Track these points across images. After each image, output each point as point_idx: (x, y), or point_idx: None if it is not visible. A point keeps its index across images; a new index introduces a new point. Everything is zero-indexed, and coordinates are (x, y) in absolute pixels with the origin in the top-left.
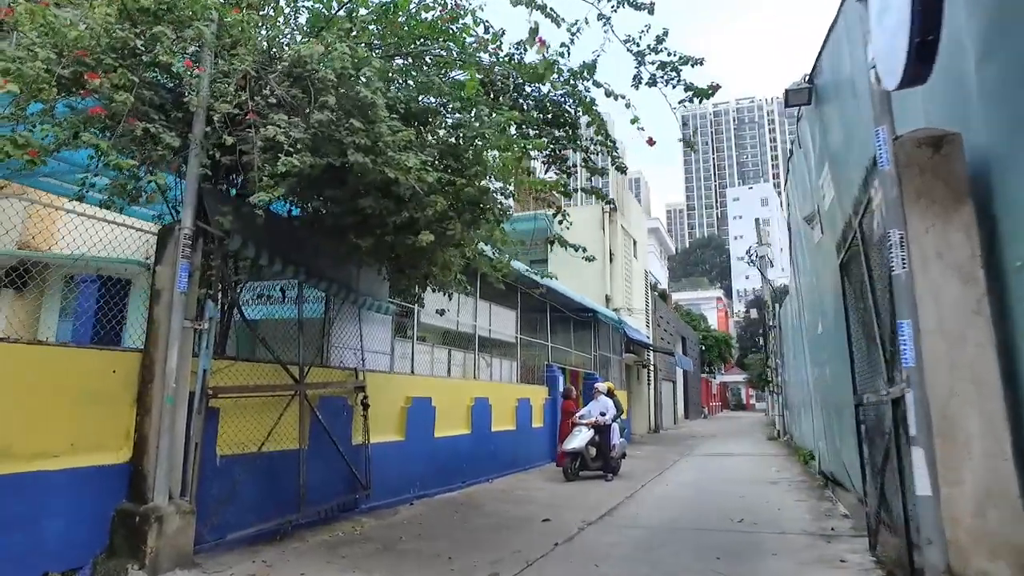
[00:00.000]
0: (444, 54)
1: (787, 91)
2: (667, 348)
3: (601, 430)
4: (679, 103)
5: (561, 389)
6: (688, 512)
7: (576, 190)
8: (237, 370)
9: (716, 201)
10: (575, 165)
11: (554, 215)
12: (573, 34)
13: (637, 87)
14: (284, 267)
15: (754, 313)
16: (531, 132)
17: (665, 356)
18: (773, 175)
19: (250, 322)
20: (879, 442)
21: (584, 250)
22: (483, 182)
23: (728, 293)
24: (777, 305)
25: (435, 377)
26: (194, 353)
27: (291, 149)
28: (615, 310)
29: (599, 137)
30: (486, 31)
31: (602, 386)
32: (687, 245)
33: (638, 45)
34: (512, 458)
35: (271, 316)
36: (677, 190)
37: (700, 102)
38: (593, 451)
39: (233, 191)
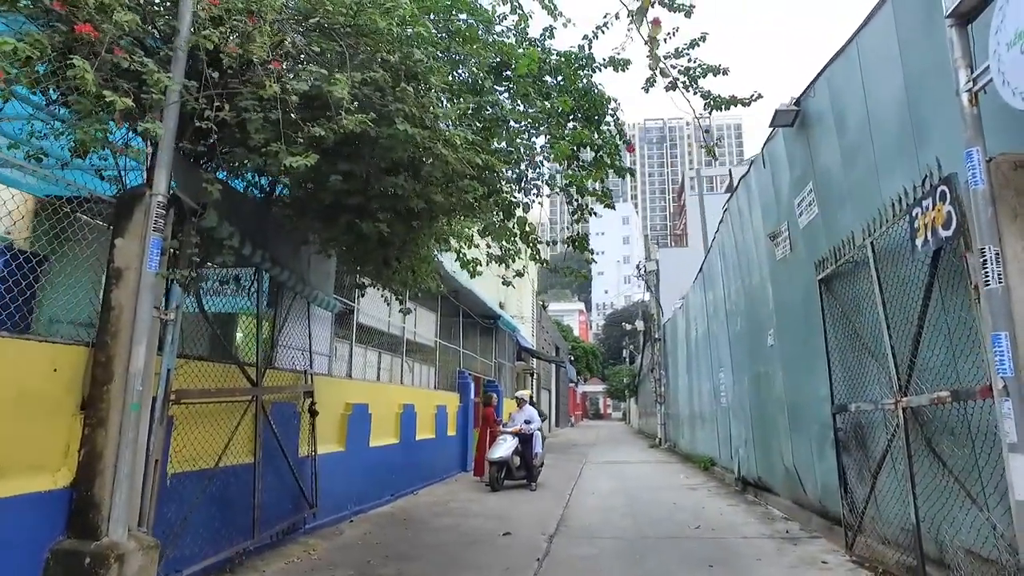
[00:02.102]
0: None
1: (777, 111)
2: (559, 359)
3: (524, 439)
4: (704, 110)
5: (473, 396)
6: (638, 520)
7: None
8: (192, 370)
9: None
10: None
11: (575, 214)
12: (599, 28)
13: (647, 90)
14: (252, 251)
15: (642, 325)
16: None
17: (545, 365)
18: (632, 195)
19: (207, 315)
20: (871, 449)
21: (598, 254)
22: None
23: (588, 306)
24: (660, 319)
25: (370, 382)
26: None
27: (348, 108)
28: (510, 317)
29: (613, 138)
30: (512, 11)
31: (523, 394)
32: (549, 257)
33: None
34: (432, 468)
35: (210, 309)
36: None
37: (726, 109)
38: (517, 460)
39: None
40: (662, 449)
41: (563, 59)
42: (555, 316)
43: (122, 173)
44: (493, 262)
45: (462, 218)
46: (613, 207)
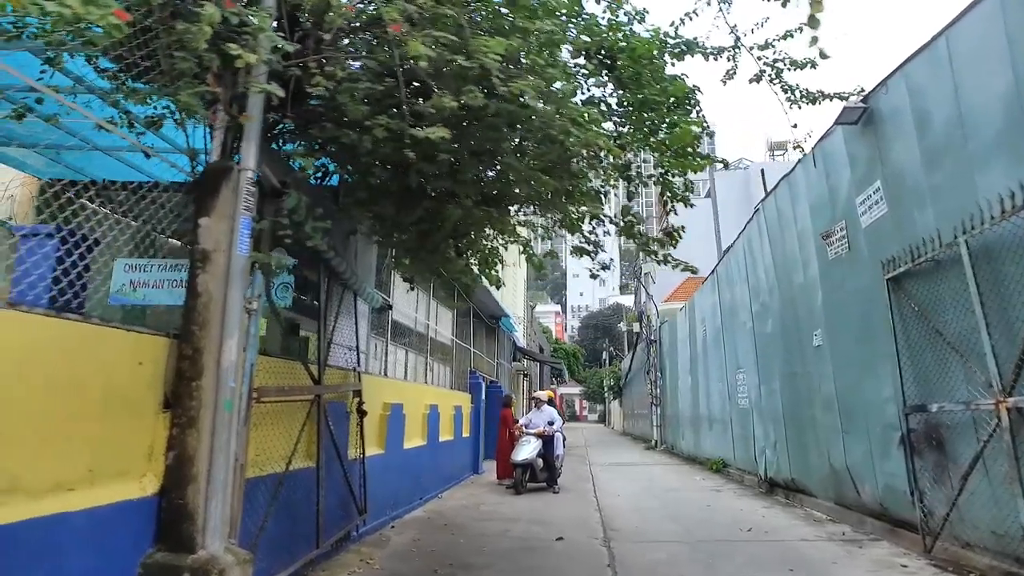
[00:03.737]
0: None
1: (844, 108)
2: (555, 360)
3: (546, 441)
4: (788, 103)
5: (483, 397)
6: (683, 523)
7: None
8: (263, 367)
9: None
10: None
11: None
12: (687, 15)
13: (725, 83)
14: (322, 238)
15: (635, 327)
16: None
17: (531, 366)
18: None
19: (275, 306)
20: (955, 451)
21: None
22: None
23: (563, 308)
24: (653, 322)
25: (402, 381)
26: None
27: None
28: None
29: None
30: None
31: (543, 394)
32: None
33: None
34: (451, 471)
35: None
36: None
37: (816, 104)
38: (541, 462)
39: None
40: (659, 451)
41: (660, 43)
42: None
43: (198, 146)
44: (573, 255)
45: (538, 207)
46: (692, 204)
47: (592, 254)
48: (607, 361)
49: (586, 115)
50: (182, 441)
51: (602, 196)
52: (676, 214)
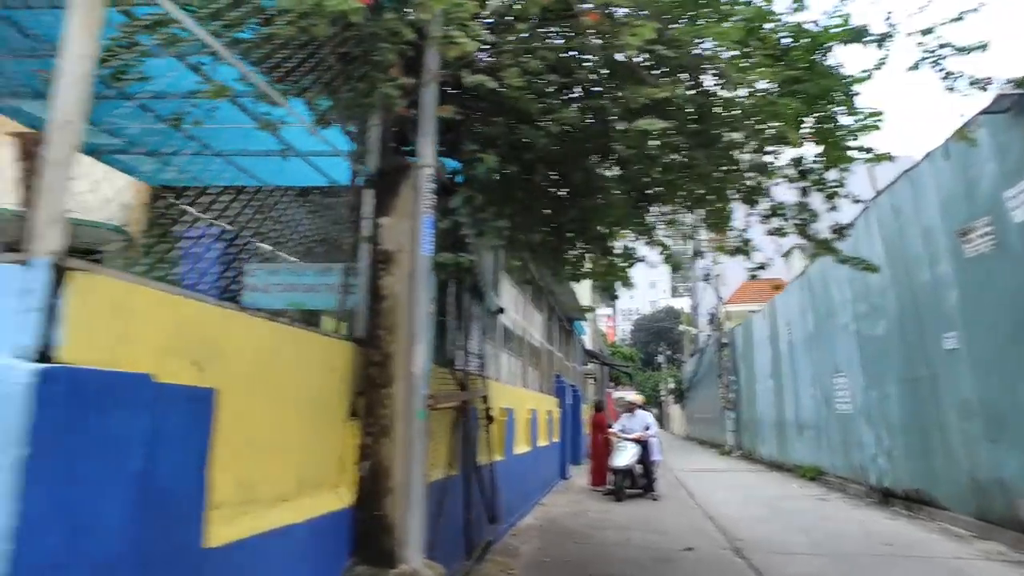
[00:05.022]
0: None
1: (998, 95)
2: (623, 363)
3: (643, 446)
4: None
5: (569, 401)
6: (810, 535)
7: None
8: None
9: None
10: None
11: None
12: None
13: (872, 74)
14: (500, 237)
15: (709, 329)
16: None
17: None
18: None
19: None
20: None
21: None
22: None
23: (614, 311)
24: (724, 324)
25: (510, 386)
26: None
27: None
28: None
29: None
30: None
31: (634, 399)
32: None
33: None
34: (546, 477)
35: None
36: None
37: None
38: (640, 468)
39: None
40: (735, 457)
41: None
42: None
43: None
44: (726, 255)
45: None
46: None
47: (748, 253)
48: (661, 365)
49: (788, 108)
50: (376, 451)
51: (762, 192)
52: (838, 210)
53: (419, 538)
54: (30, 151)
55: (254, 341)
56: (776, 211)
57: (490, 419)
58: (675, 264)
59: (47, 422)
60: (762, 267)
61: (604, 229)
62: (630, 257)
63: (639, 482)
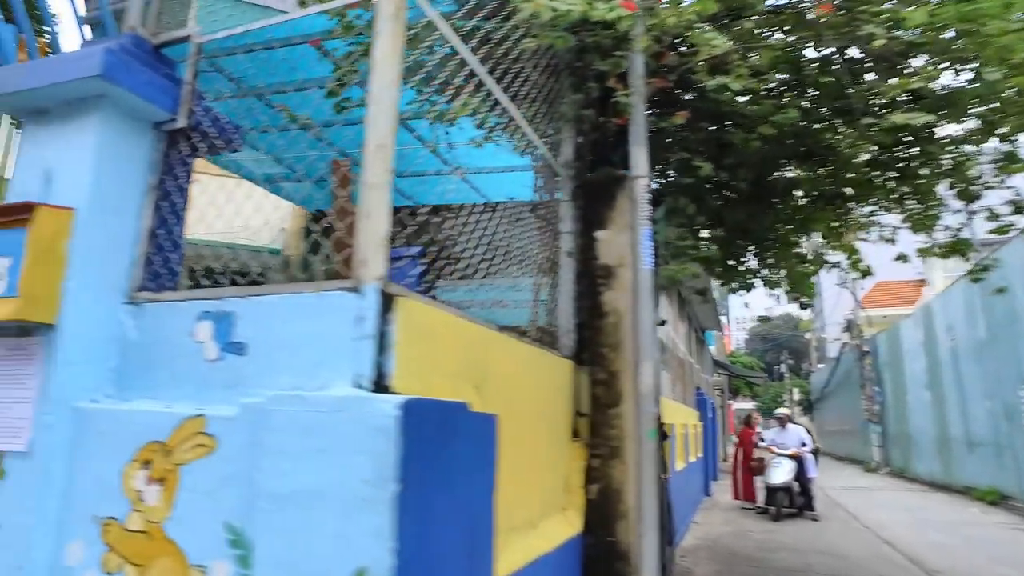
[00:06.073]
0: None
1: None
2: (756, 374)
3: (799, 462)
4: None
5: (710, 415)
6: (1022, 569)
7: None
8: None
9: None
10: None
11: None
12: None
13: None
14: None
15: (845, 337)
16: None
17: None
18: None
19: None
20: None
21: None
22: None
23: (727, 319)
24: (864, 330)
25: (671, 401)
26: None
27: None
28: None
29: None
30: None
31: (784, 412)
32: None
33: None
34: (695, 494)
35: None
36: None
37: None
38: (796, 486)
39: None
40: (882, 474)
41: None
42: None
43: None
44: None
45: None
46: None
47: (965, 253)
48: (784, 375)
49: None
50: (606, 474)
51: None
52: None
53: (655, 564)
54: (346, 177)
55: (511, 363)
56: (1019, 207)
57: (664, 435)
58: (865, 271)
59: (411, 456)
60: (904, 259)
61: (795, 237)
62: (821, 262)
63: (796, 500)
